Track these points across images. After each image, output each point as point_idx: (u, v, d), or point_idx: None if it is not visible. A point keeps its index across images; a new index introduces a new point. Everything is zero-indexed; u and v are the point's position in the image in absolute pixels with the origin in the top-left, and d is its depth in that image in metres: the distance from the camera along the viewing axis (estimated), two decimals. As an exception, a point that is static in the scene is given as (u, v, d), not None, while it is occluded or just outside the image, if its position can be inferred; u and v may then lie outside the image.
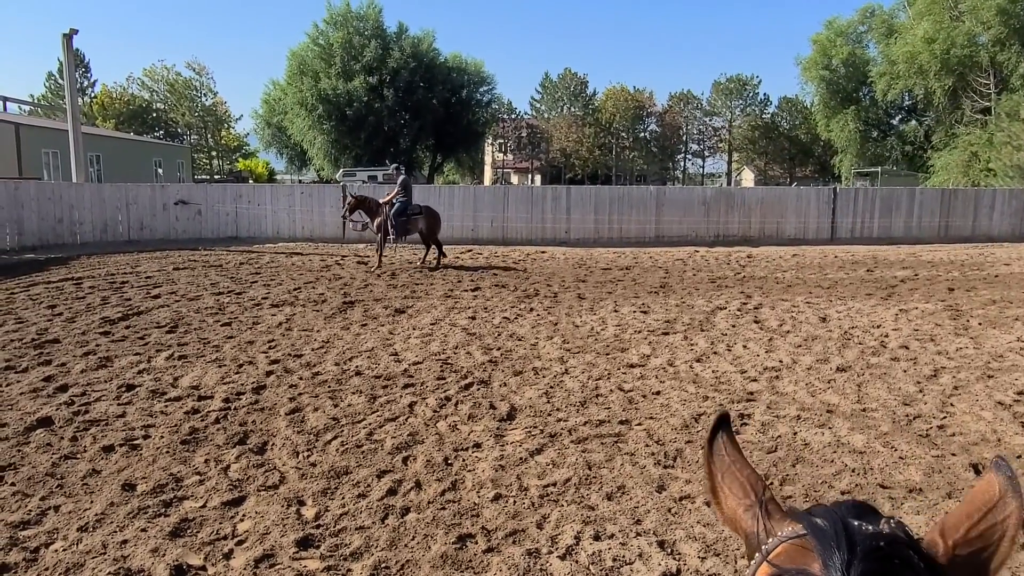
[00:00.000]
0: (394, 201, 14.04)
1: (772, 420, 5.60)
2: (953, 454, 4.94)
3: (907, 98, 47.16)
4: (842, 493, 4.34)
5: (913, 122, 48.91)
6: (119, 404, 5.83)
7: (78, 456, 4.81)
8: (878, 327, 8.96)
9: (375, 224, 14.19)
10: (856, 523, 0.82)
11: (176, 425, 5.38)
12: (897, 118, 51.15)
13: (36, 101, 57.43)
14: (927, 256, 17.14)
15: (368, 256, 16.07)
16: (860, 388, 6.43)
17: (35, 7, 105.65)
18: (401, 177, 14.39)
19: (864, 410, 5.85)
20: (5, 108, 37.86)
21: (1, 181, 18.08)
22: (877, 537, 0.79)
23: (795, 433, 5.32)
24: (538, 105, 72.86)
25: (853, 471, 4.66)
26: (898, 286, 12.30)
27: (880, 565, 0.76)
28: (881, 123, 50.30)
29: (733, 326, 9.04)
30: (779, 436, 5.27)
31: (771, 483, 4.48)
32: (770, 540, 0.89)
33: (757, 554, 0.91)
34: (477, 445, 5.10)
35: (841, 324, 9.14)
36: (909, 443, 5.12)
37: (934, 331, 8.73)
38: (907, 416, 5.70)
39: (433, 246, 14.48)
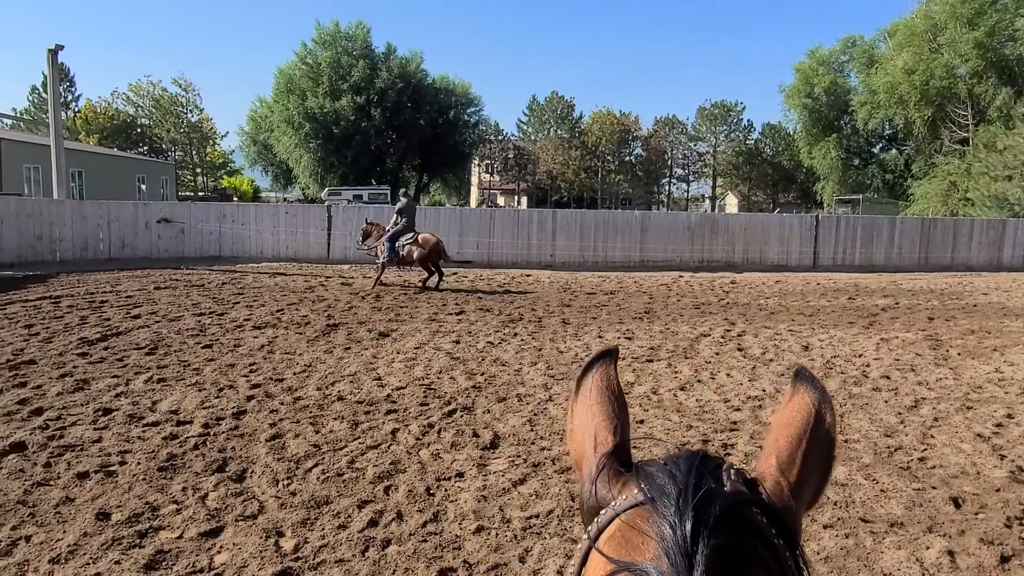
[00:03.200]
0: (389, 228, 14.23)
1: (755, 451, 5.60)
2: (934, 487, 4.96)
3: (887, 127, 48.05)
4: (824, 527, 4.34)
5: (893, 151, 49.84)
6: (95, 429, 5.73)
7: (51, 483, 4.71)
8: (860, 356, 9.03)
9: (376, 249, 14.51)
10: (698, 483, 0.71)
11: (154, 451, 5.28)
12: (878, 146, 52.10)
13: (19, 115, 57.05)
14: (907, 285, 17.35)
15: (352, 278, 16.04)
16: (842, 419, 6.46)
17: (20, 20, 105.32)
18: (399, 203, 14.43)
19: (846, 441, 5.87)
20: (-13, 122, 37.55)
21: (-19, 196, 17.89)
22: (722, 500, 0.70)
23: (778, 464, 5.32)
24: (525, 127, 73.39)
25: (835, 504, 4.66)
26: (879, 315, 12.42)
27: (730, 539, 0.67)
28: (862, 151, 51.18)
29: (717, 354, 9.08)
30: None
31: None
32: (602, 513, 0.77)
33: (585, 535, 0.79)
34: (460, 475, 5.05)
35: (823, 353, 9.21)
36: (890, 475, 5.13)
37: (914, 361, 8.81)
38: (888, 448, 5.73)
39: (434, 269, 14.25)
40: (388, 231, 14.14)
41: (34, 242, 17.59)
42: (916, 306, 13.57)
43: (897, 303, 13.94)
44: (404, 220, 14.09)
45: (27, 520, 4.19)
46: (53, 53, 20.55)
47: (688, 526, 0.67)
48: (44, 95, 53.28)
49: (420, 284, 14.29)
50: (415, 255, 13.86)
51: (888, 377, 7.99)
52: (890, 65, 41.59)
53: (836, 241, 21.19)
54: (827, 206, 49.74)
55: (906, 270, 20.63)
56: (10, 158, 27.59)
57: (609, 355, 0.97)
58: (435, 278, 14.28)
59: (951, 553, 4.05)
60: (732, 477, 0.77)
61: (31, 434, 5.52)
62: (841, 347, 9.59)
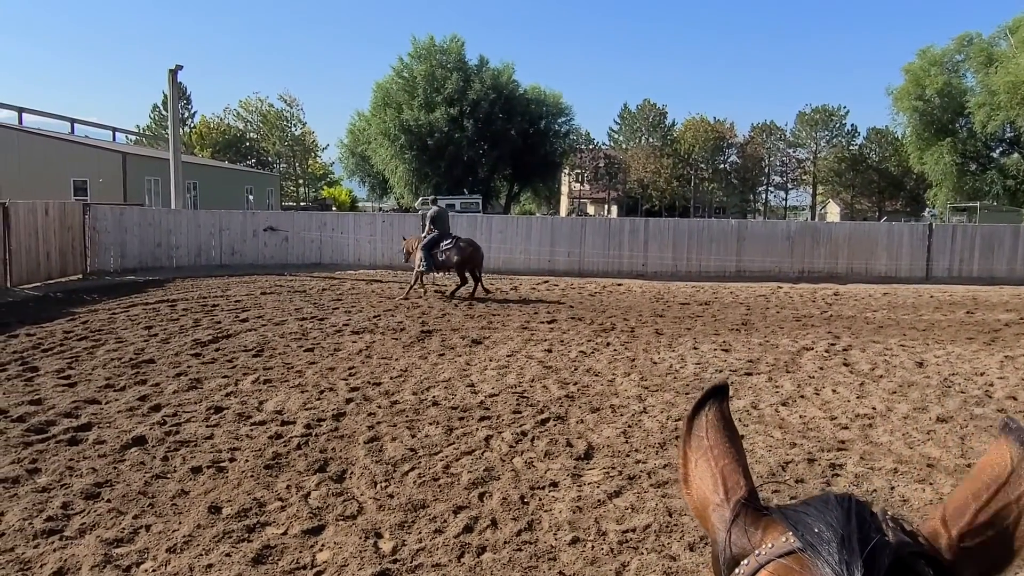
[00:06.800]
0: (424, 236, 14.33)
1: (867, 472, 5.29)
2: (1073, 520, 4.52)
3: (1008, 130, 44.75)
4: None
5: (1016, 155, 46.35)
6: (207, 426, 6.03)
7: (168, 476, 4.99)
8: (982, 375, 8.40)
9: (412, 258, 14.60)
10: (861, 530, 0.66)
11: (260, 449, 5.51)
12: (998, 151, 48.56)
13: (141, 131, 61.36)
14: (1033, 298, 16.05)
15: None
16: (963, 441, 6.02)
17: (142, 44, 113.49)
18: (431, 210, 14.60)
19: (969, 466, 5.45)
20: (114, 138, 40.62)
21: (108, 206, 19.31)
22: (890, 551, 0.65)
23: (892, 488, 5.01)
24: (616, 135, 72.79)
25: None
26: (1002, 330, 11.54)
27: None
28: (980, 156, 47.88)
29: (821, 368, 8.66)
30: (875, 490, 4.96)
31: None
32: (744, 564, 0.71)
33: None
34: (554, 484, 5.01)
35: (940, 370, 8.62)
36: (1021, 505, 4.73)
37: (1045, 381, 8.12)
38: (1018, 475, 5.28)
39: (470, 278, 14.26)
40: (423, 239, 14.26)
41: (154, 249, 18.82)
42: (1045, 322, 12.52)
43: (1022, 318, 12.91)
44: (436, 228, 14.23)
45: (147, 510, 4.45)
46: (173, 73, 21.99)
47: None
48: (164, 112, 57.06)
49: (451, 292, 14.28)
50: (454, 260, 14.01)
51: (1015, 398, 7.39)
52: (1012, 63, 38.77)
53: (952, 251, 19.86)
54: (940, 214, 46.84)
55: (1031, 283, 19.10)
56: (133, 171, 29.67)
57: (721, 392, 0.90)
58: (469, 286, 14.27)
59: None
60: (891, 525, 0.70)
61: (150, 429, 5.87)
62: (960, 364, 8.96)
